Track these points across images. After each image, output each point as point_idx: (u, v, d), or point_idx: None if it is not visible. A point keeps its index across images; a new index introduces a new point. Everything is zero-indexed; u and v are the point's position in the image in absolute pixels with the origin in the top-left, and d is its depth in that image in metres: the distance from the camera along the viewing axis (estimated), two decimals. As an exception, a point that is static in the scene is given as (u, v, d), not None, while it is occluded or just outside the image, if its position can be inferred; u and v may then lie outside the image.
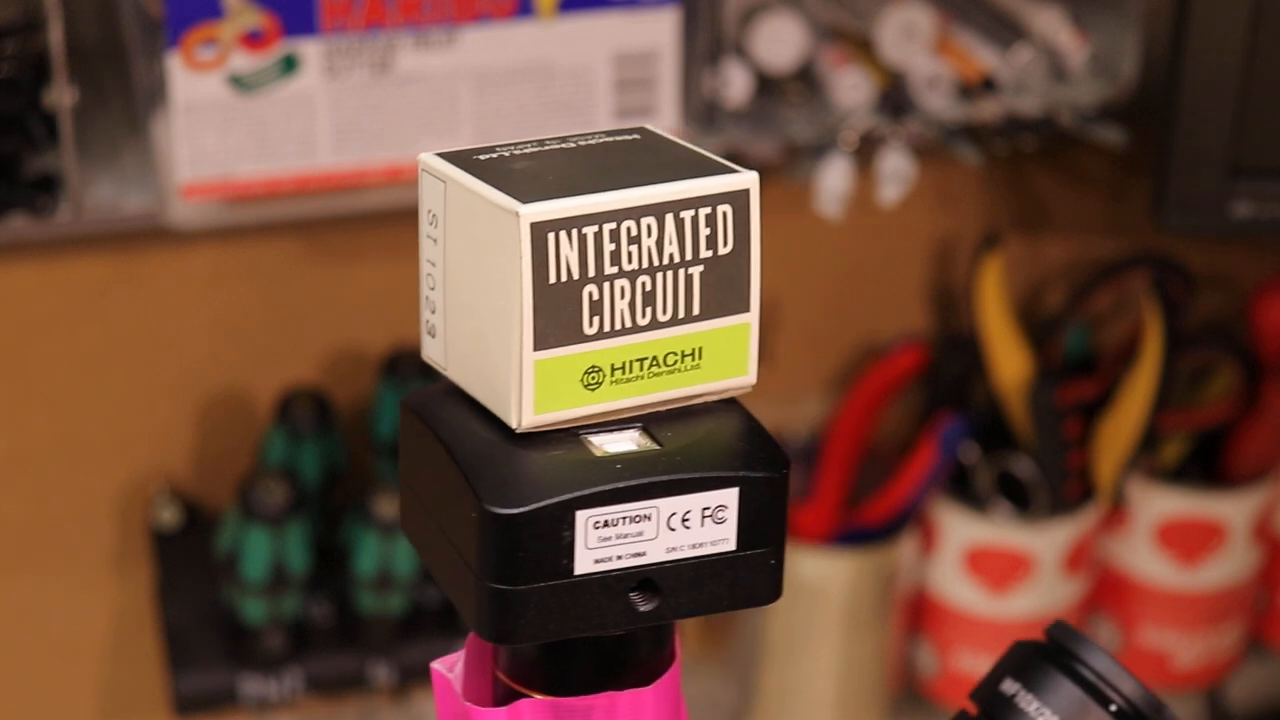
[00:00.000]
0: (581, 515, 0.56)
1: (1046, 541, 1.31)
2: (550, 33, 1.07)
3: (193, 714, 1.20)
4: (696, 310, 0.58)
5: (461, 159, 0.59)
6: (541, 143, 0.60)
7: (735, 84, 1.14)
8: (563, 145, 0.60)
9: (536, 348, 0.57)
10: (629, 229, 0.57)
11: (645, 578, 0.57)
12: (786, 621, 1.32)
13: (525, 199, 0.56)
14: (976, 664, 1.34)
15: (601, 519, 0.56)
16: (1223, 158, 1.16)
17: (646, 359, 0.58)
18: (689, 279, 0.58)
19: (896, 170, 1.20)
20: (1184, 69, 1.14)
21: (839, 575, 1.30)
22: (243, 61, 1.03)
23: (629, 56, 1.10)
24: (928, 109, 1.17)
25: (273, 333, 1.23)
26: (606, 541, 0.57)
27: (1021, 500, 1.32)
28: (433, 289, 0.60)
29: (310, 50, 1.04)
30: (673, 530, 0.57)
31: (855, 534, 1.32)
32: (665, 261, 0.58)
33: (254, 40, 1.03)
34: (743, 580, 0.58)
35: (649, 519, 0.57)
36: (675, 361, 0.59)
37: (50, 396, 1.20)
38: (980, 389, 1.34)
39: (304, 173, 1.07)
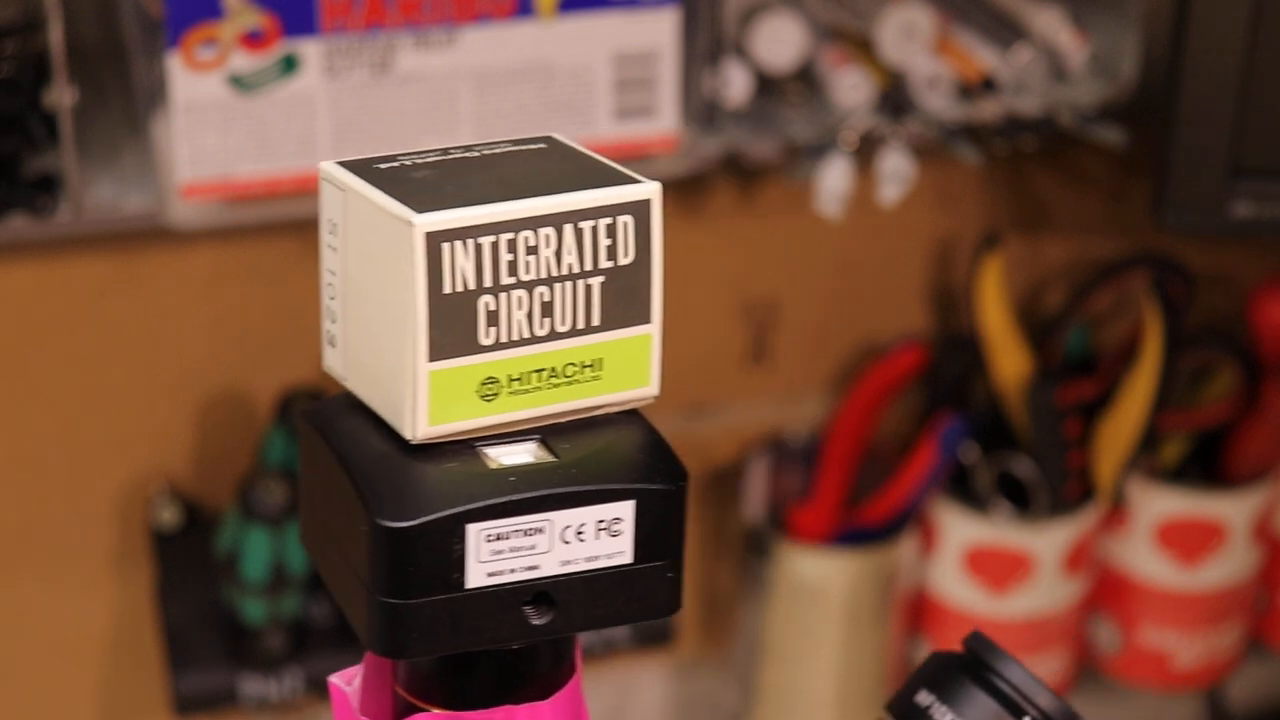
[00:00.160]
0: (473, 528, 0.55)
1: (1046, 541, 1.31)
2: (550, 33, 1.07)
3: (193, 714, 1.20)
4: (597, 321, 0.58)
5: (362, 168, 0.58)
6: (446, 151, 0.60)
7: (735, 84, 1.14)
8: (466, 154, 0.60)
9: (431, 358, 0.56)
10: (526, 239, 0.56)
11: (539, 591, 0.57)
12: (786, 621, 1.32)
13: (421, 209, 0.55)
14: (976, 664, 1.34)
15: (494, 532, 0.56)
16: (1223, 158, 1.16)
17: (545, 370, 0.58)
18: (589, 290, 0.58)
19: (896, 170, 1.20)
20: (1184, 69, 1.14)
21: (839, 575, 1.30)
22: (243, 61, 1.03)
23: (629, 56, 1.10)
24: (928, 109, 1.17)
25: (273, 333, 1.23)
26: (499, 555, 0.56)
27: (1021, 500, 1.32)
28: (333, 299, 0.60)
29: (310, 50, 1.04)
30: (567, 543, 0.57)
31: (855, 534, 1.32)
32: (564, 272, 0.57)
33: (254, 40, 1.03)
34: (640, 593, 0.58)
35: (543, 532, 0.56)
36: (575, 373, 0.58)
37: (50, 396, 1.20)
38: (980, 389, 1.34)
39: (304, 173, 1.07)
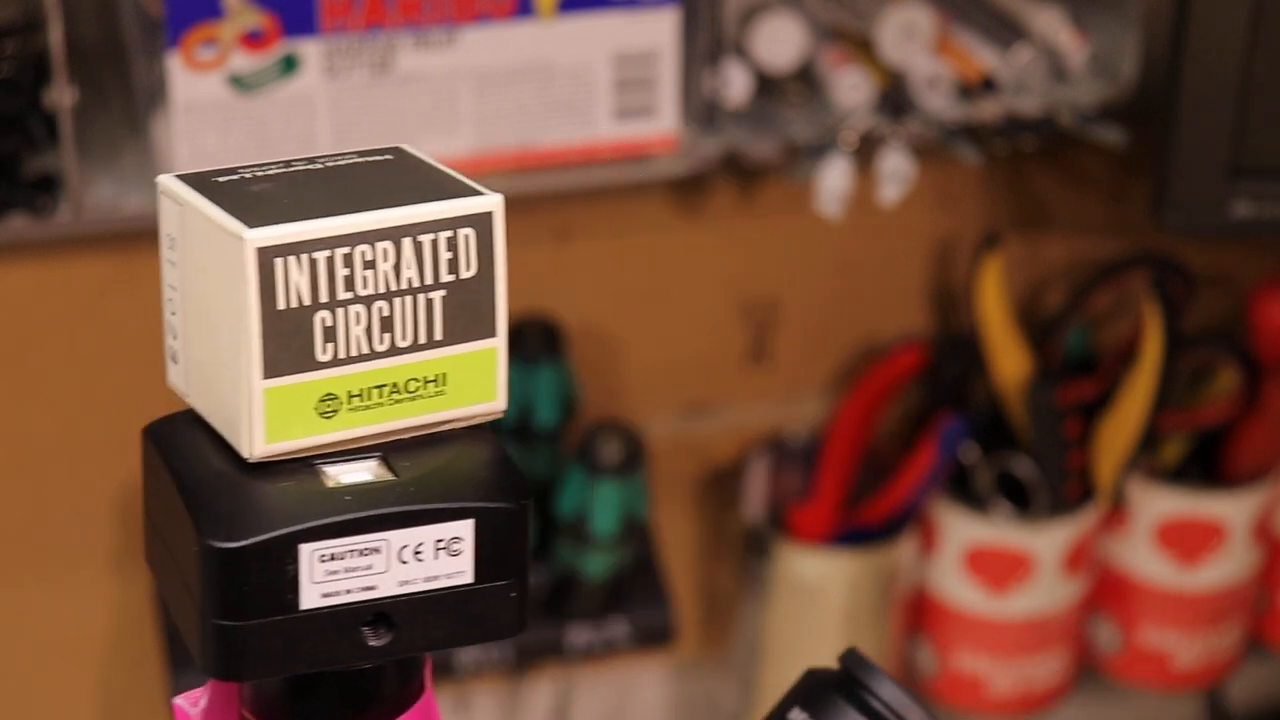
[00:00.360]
0: (306, 548, 0.54)
1: (1046, 541, 1.31)
2: (550, 33, 1.07)
3: (193, 714, 1.20)
4: (439, 336, 0.57)
5: (200, 181, 0.58)
6: (288, 164, 0.59)
7: (735, 84, 1.14)
8: (309, 167, 0.59)
9: (266, 375, 0.55)
10: (363, 253, 0.55)
11: (378, 612, 0.56)
12: (786, 621, 1.32)
13: (253, 223, 0.55)
14: (976, 664, 1.34)
15: (328, 552, 0.54)
16: (1223, 158, 1.16)
17: (386, 386, 0.57)
18: (430, 304, 0.57)
19: (896, 170, 1.20)
20: (1184, 69, 1.14)
21: (839, 575, 1.30)
22: (243, 61, 1.03)
23: (629, 56, 1.10)
24: (928, 109, 1.17)
25: (273, 333, 1.23)
26: (334, 575, 0.55)
27: (1021, 500, 1.32)
28: (173, 314, 0.59)
29: (310, 50, 1.04)
30: (405, 563, 0.55)
31: (855, 534, 1.32)
32: (404, 286, 0.56)
33: (254, 40, 1.03)
34: (482, 614, 0.57)
35: (379, 552, 0.55)
36: (417, 388, 0.57)
37: (50, 396, 1.20)
38: (980, 389, 1.34)
39: (304, 173, 1.06)
